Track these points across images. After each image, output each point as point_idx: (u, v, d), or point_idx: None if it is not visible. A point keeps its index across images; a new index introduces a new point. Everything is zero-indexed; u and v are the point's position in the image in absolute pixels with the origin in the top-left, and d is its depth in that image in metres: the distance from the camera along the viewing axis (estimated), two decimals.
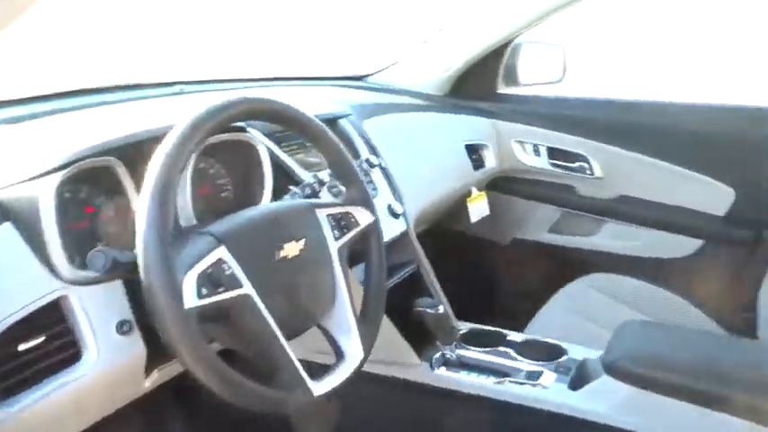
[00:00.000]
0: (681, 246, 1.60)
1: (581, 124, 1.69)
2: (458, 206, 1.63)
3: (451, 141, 1.63)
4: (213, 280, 0.65)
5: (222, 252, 0.67)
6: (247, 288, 0.68)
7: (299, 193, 0.93)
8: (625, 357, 0.92)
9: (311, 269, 0.79)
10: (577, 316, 1.38)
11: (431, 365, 1.07)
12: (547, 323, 1.36)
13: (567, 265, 1.61)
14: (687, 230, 1.59)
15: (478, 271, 1.82)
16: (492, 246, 1.87)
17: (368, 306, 0.87)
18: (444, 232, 1.76)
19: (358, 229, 0.88)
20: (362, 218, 0.89)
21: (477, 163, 1.70)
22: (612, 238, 1.70)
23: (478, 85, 1.78)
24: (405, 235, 1.23)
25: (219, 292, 0.65)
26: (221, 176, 0.97)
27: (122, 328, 0.73)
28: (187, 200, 0.84)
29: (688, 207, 1.58)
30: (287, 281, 0.75)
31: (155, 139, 0.69)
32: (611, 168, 1.67)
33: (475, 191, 1.69)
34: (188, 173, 0.85)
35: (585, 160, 1.69)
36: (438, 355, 1.09)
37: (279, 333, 0.70)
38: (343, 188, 0.91)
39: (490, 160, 1.74)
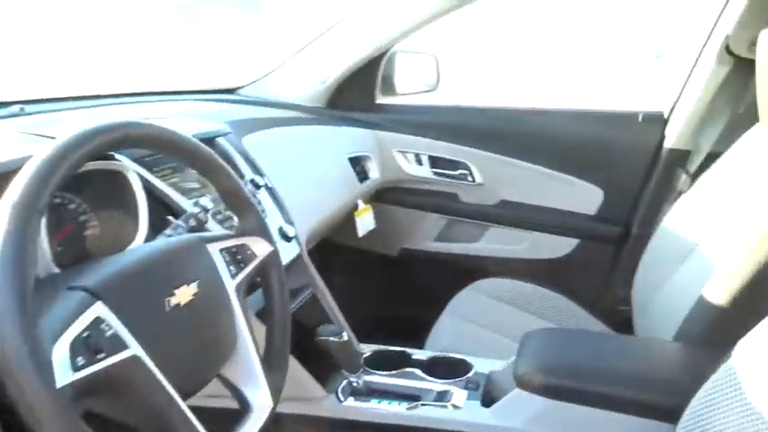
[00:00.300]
0: (559, 246, 1.69)
1: (460, 132, 1.71)
2: (345, 220, 1.59)
3: (335, 155, 1.58)
4: (91, 345, 0.53)
5: (99, 309, 0.55)
6: (134, 348, 0.56)
7: (182, 225, 0.81)
8: (536, 369, 0.92)
9: (208, 314, 0.69)
10: (472, 324, 1.39)
11: (338, 397, 1.00)
12: (444, 334, 1.36)
13: (457, 273, 1.62)
14: (563, 231, 1.68)
15: (370, 285, 1.79)
16: (381, 258, 1.85)
17: (272, 347, 0.78)
18: (333, 248, 1.70)
19: (256, 261, 0.79)
20: (260, 249, 0.80)
21: (362, 175, 1.67)
22: (497, 242, 1.75)
23: (357, 95, 1.74)
24: (299, 258, 1.16)
25: (100, 360, 0.53)
26: (84, 212, 0.82)
27: None
28: (44, 245, 0.70)
29: (562, 208, 1.67)
30: (181, 332, 0.64)
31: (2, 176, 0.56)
32: (491, 174, 1.71)
33: (361, 204, 1.65)
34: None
35: (466, 167, 1.72)
36: (345, 383, 1.03)
37: (176, 395, 0.59)
38: (233, 215, 0.82)
39: (374, 172, 1.71)
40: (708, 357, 0.79)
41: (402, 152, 1.76)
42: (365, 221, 1.65)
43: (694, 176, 1.38)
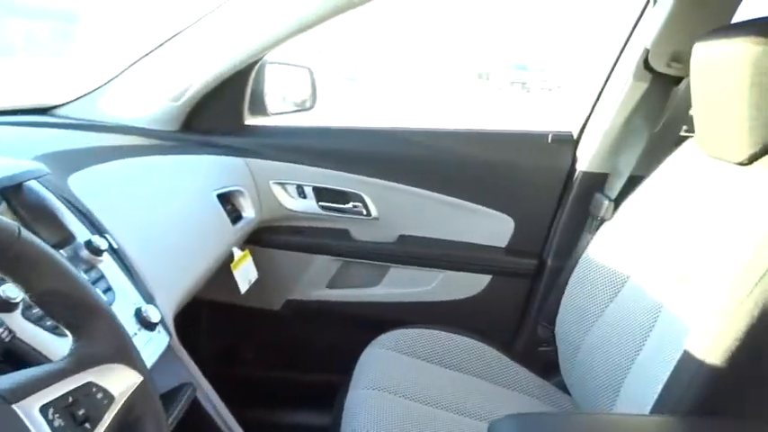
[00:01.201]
0: (470, 284, 1.49)
1: (350, 158, 1.45)
2: (220, 274, 1.24)
3: (199, 192, 1.23)
4: None
5: None
6: None
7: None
8: None
9: None
10: (386, 393, 1.13)
11: None
12: (359, 412, 1.08)
13: (357, 325, 1.36)
14: (474, 267, 1.48)
15: (253, 349, 1.45)
16: (261, 314, 1.52)
17: None
18: (198, 307, 1.35)
19: (114, 410, 0.45)
20: (119, 384, 0.46)
21: (234, 215, 1.33)
22: (400, 285, 1.51)
23: (220, 116, 1.40)
24: (169, 350, 0.81)
25: None
26: None
27: None
28: None
29: (471, 241, 1.48)
30: None
31: None
32: (388, 207, 1.47)
33: (237, 251, 1.31)
34: None
35: (359, 199, 1.46)
36: None
37: None
38: (67, 333, 0.46)
39: (248, 209, 1.39)
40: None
41: (281, 184, 1.46)
42: (246, 272, 1.32)
43: (617, 202, 1.25)
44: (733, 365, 0.78)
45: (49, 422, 0.40)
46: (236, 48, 1.28)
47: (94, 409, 0.43)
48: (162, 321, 0.78)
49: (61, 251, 0.73)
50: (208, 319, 1.55)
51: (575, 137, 1.44)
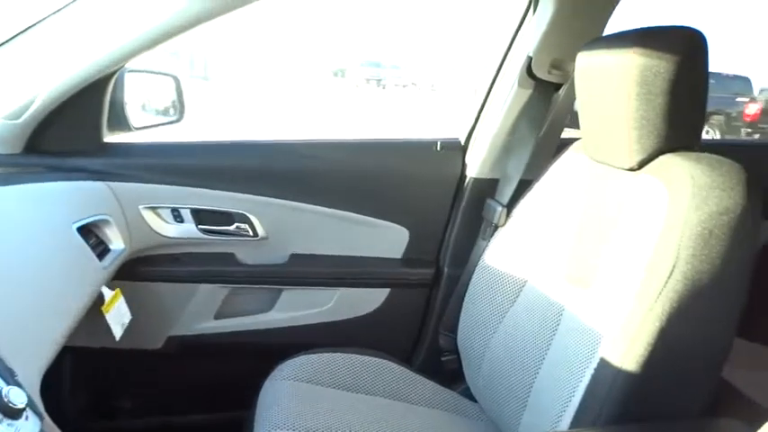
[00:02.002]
0: (369, 299, 1.44)
1: (230, 175, 1.33)
2: (87, 316, 1.06)
3: (53, 227, 1.04)
4: None
5: None
6: None
7: None
8: None
9: None
10: (291, 429, 1.04)
11: None
12: None
13: (252, 356, 1.25)
14: (371, 281, 1.43)
15: (135, 399, 1.27)
16: (141, 355, 1.34)
17: None
18: (65, 358, 1.16)
19: None
20: None
21: (99, 249, 1.16)
22: (295, 308, 1.41)
23: (73, 134, 1.22)
24: None
25: None
26: None
27: None
28: None
29: (366, 255, 1.43)
30: None
31: None
32: (277, 225, 1.37)
33: (108, 292, 1.14)
34: None
35: (245, 219, 1.35)
36: None
37: None
38: None
39: (116, 241, 1.21)
40: None
41: (152, 208, 1.30)
42: (119, 314, 1.15)
43: (509, 207, 1.27)
44: (650, 370, 0.81)
45: None
46: (90, 55, 1.10)
47: None
48: (29, 404, 0.63)
49: None
50: (72, 368, 1.35)
51: (462, 143, 1.44)
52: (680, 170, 0.86)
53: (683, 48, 0.88)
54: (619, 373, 0.82)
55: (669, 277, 0.81)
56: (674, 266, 0.80)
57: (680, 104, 0.89)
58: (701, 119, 0.95)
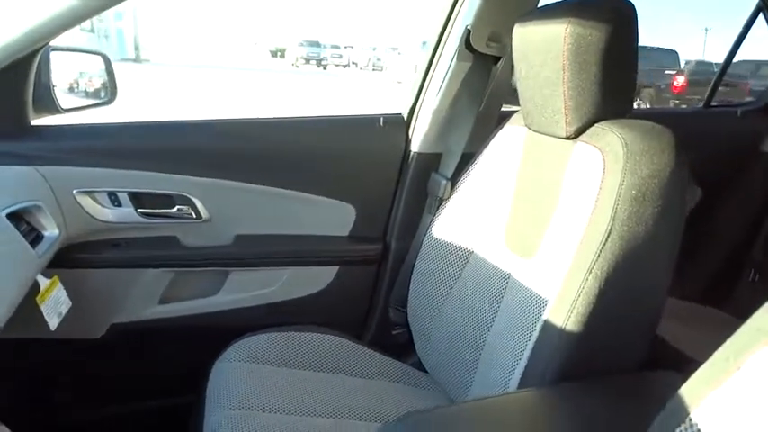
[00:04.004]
0: (318, 277, 1.43)
1: (169, 156, 1.29)
2: (23, 307, 1.02)
3: None
4: None
5: None
6: None
7: None
8: None
9: None
10: (249, 410, 1.04)
11: None
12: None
13: (201, 339, 1.23)
14: (319, 260, 1.43)
15: (76, 390, 1.23)
16: (82, 346, 1.30)
17: None
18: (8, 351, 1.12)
19: None
20: None
21: (32, 236, 1.10)
22: (243, 289, 1.39)
23: None
24: None
25: None
26: None
27: None
28: None
29: (313, 234, 1.42)
30: None
31: None
32: (219, 206, 1.34)
33: (43, 279, 1.09)
34: None
35: (186, 201, 1.31)
36: None
37: None
38: None
39: (50, 227, 1.16)
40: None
41: (88, 192, 1.25)
42: (56, 303, 1.11)
43: (453, 180, 1.29)
44: (590, 329, 0.84)
45: None
46: (7, 32, 1.04)
47: None
48: None
49: None
50: (9, 361, 1.29)
51: (405, 119, 1.45)
52: (614, 137, 0.89)
53: (613, 18, 0.91)
54: (561, 334, 0.86)
55: (606, 239, 0.84)
56: (610, 228, 0.84)
57: (612, 74, 0.92)
58: (632, 87, 0.99)
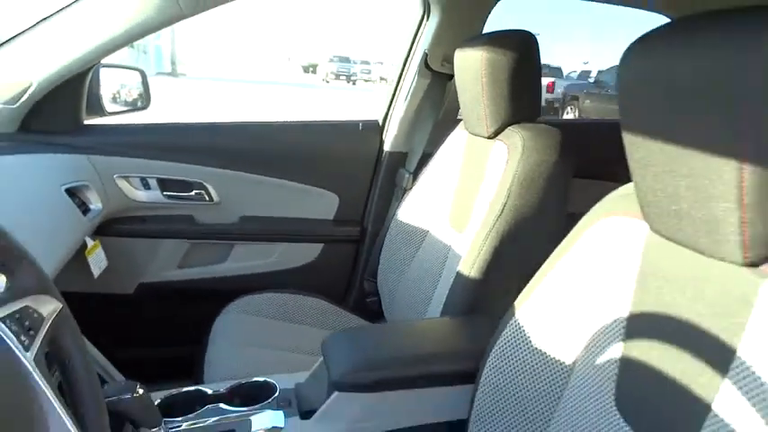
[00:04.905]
0: (306, 252, 1.75)
1: (189, 151, 1.62)
2: (74, 264, 1.35)
3: (47, 188, 1.33)
4: None
5: None
6: None
7: None
8: (352, 370, 0.95)
9: (8, 400, 0.53)
10: (242, 346, 1.35)
11: None
12: (220, 364, 1.28)
13: (209, 298, 1.54)
14: (307, 238, 1.74)
15: (114, 332, 1.55)
16: (117, 299, 1.63)
17: (89, 414, 0.64)
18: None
19: (47, 325, 0.63)
20: (47, 308, 0.64)
21: (83, 208, 1.44)
22: (244, 259, 1.72)
23: (59, 116, 1.49)
24: None
25: None
26: None
27: None
28: None
29: (304, 217, 1.74)
30: None
31: None
32: (228, 192, 1.67)
33: (90, 241, 1.43)
34: None
35: (201, 187, 1.64)
36: None
37: None
38: (1, 277, 0.63)
39: (95, 202, 1.50)
40: (485, 325, 0.95)
41: (125, 177, 1.58)
42: (98, 259, 1.44)
43: (415, 175, 1.59)
44: (486, 276, 1.13)
45: (11, 329, 0.57)
46: (71, 53, 1.38)
47: (35, 322, 0.61)
48: None
49: None
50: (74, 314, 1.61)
51: (380, 124, 1.77)
52: (517, 136, 1.19)
53: (518, 47, 1.20)
54: (467, 280, 1.15)
55: (503, 208, 1.14)
56: (506, 201, 1.14)
57: (518, 88, 1.21)
58: (537, 98, 1.27)
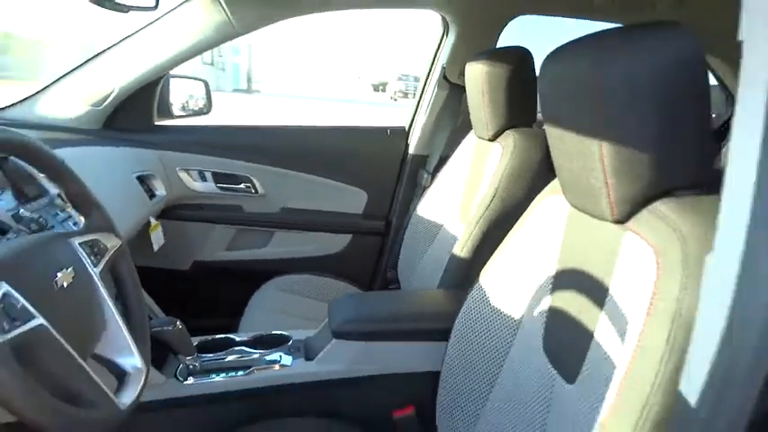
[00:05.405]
0: (336, 242, 1.97)
1: (240, 149, 1.89)
2: (140, 240, 1.63)
3: (122, 174, 1.62)
4: (9, 314, 0.61)
5: (5, 287, 0.63)
6: (40, 319, 0.64)
7: (24, 230, 0.86)
8: (348, 321, 1.16)
9: (85, 296, 0.77)
10: (274, 313, 1.58)
11: (178, 378, 1.10)
12: (252, 327, 1.52)
13: (250, 277, 1.78)
14: (338, 229, 1.97)
15: (167, 303, 1.82)
16: (174, 274, 1.91)
17: (136, 323, 0.88)
18: None
19: (109, 254, 0.88)
20: (110, 243, 0.89)
21: (149, 193, 1.73)
22: (283, 245, 1.96)
23: (134, 117, 1.79)
24: None
25: (18, 326, 0.61)
26: None
27: None
28: None
29: (336, 210, 1.97)
30: (71, 307, 0.72)
31: None
32: (272, 186, 1.92)
33: (153, 220, 1.71)
34: None
35: (249, 181, 1.90)
36: (182, 367, 1.12)
37: (77, 356, 0.68)
38: (81, 217, 0.89)
39: (160, 189, 1.78)
40: (460, 294, 1.13)
41: (186, 170, 1.87)
42: (158, 237, 1.72)
43: (433, 175, 1.79)
44: (475, 256, 1.31)
45: (85, 251, 0.82)
46: (145, 65, 1.68)
47: (101, 250, 0.86)
48: None
49: (41, 200, 1.12)
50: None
51: (406, 129, 1.98)
52: (511, 138, 1.37)
53: (514, 61, 1.38)
54: (459, 259, 1.34)
55: (492, 199, 1.32)
56: (496, 192, 1.32)
57: (514, 96, 1.39)
58: (533, 105, 1.44)
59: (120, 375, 0.81)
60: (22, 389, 0.57)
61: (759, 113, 0.43)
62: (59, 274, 0.72)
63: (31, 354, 0.63)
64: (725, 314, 0.46)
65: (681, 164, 0.68)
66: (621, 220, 0.73)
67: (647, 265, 0.65)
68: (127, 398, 0.75)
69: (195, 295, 1.93)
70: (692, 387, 0.50)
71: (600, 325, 0.74)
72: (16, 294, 0.63)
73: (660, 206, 0.68)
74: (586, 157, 0.73)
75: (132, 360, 0.82)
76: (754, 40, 0.43)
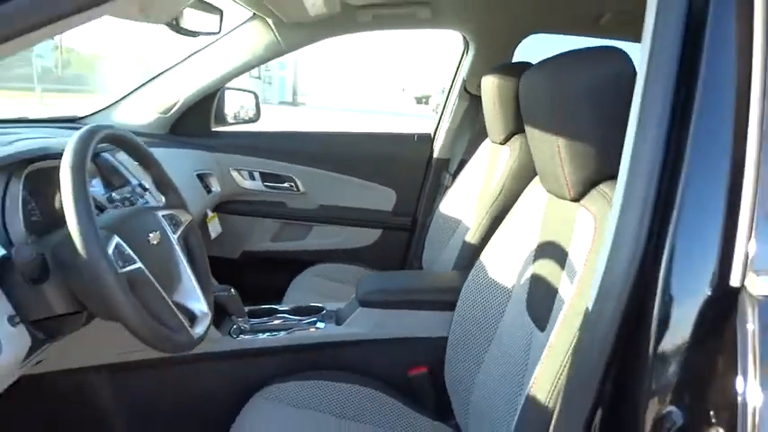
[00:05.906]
0: (367, 236, 2.21)
1: (284, 152, 2.15)
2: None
3: (185, 171, 1.89)
4: (121, 256, 0.86)
5: (116, 239, 0.88)
6: (139, 263, 0.89)
7: (119, 206, 1.12)
8: (372, 292, 1.39)
9: (167, 254, 1.02)
10: (312, 295, 1.82)
11: (232, 336, 1.35)
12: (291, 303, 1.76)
13: (292, 265, 2.03)
14: (370, 224, 2.20)
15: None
16: (225, 262, 2.17)
17: (202, 279, 1.13)
18: None
19: (183, 226, 1.13)
20: (184, 218, 1.15)
21: (206, 189, 2.00)
22: (320, 238, 2.21)
23: (195, 124, 2.07)
24: None
25: (127, 266, 0.86)
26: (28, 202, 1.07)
27: (13, 321, 0.84)
28: (20, 217, 0.95)
29: (368, 207, 2.20)
30: (159, 260, 0.97)
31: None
32: (312, 185, 2.17)
33: (210, 212, 1.98)
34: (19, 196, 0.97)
35: (292, 180, 2.16)
36: (235, 327, 1.37)
37: (165, 294, 0.93)
38: (162, 197, 1.15)
39: (215, 186, 2.05)
40: (468, 273, 1.33)
41: (237, 170, 2.14)
42: (214, 226, 1.99)
43: (454, 176, 2.00)
44: (483, 242, 1.51)
45: (166, 222, 1.07)
46: (204, 79, 1.96)
47: (178, 222, 1.11)
48: None
49: (124, 188, 1.40)
50: None
51: (432, 135, 2.20)
52: (518, 142, 1.57)
53: (520, 74, 1.58)
54: (470, 245, 1.55)
55: (500, 193, 1.53)
56: (502, 188, 1.52)
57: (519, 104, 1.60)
58: None
59: (192, 317, 1.05)
60: (133, 307, 0.82)
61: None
62: (151, 235, 0.97)
63: (134, 286, 0.88)
64: (605, 257, 0.67)
65: (618, 154, 0.83)
66: (576, 199, 0.93)
67: (589, 229, 0.85)
68: (199, 330, 1.00)
69: (243, 281, 2.19)
70: (592, 310, 0.70)
71: (562, 281, 0.94)
72: (124, 244, 0.88)
73: (603, 187, 0.88)
74: (550, 150, 0.94)
75: (200, 305, 1.06)
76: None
